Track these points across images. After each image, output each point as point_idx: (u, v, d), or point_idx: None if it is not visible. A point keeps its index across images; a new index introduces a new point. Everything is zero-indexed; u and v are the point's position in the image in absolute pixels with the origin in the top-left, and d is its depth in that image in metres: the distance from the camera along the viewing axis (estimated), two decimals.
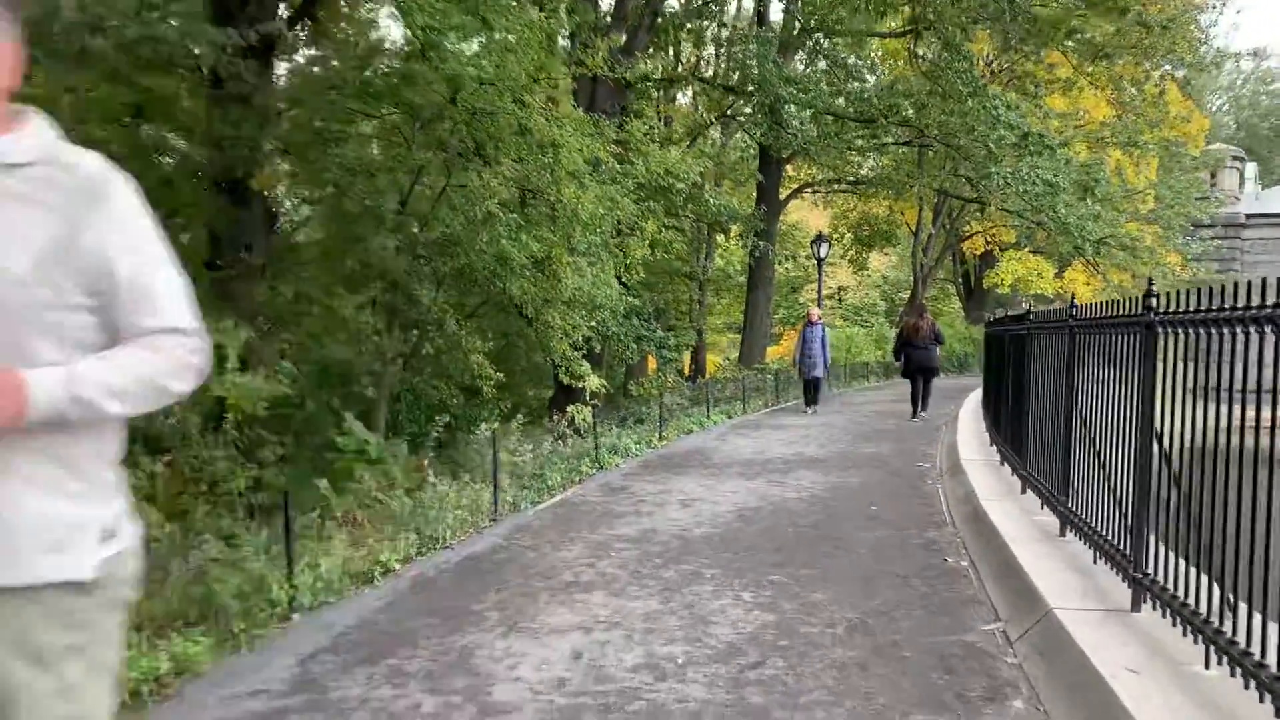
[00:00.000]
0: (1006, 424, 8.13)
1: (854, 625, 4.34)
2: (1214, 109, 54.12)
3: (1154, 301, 3.89)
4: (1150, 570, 3.82)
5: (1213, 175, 35.63)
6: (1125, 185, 22.75)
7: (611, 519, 6.87)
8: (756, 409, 16.35)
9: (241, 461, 7.18)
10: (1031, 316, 7.19)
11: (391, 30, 11.85)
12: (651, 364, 21.04)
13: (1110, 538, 4.36)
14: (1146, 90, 19.82)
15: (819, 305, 19.08)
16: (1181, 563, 3.55)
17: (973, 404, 15.01)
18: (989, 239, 30.97)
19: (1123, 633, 3.67)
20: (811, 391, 15.68)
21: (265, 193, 9.10)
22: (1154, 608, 3.76)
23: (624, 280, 19.33)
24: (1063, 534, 5.37)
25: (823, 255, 22.13)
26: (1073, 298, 6.11)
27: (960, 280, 37.60)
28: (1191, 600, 3.35)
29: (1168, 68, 19.14)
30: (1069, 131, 20.00)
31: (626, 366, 20.19)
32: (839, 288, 43.93)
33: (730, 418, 14.73)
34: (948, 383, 20.03)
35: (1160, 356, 3.83)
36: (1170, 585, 3.58)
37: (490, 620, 4.47)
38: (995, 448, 9.27)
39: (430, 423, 13.01)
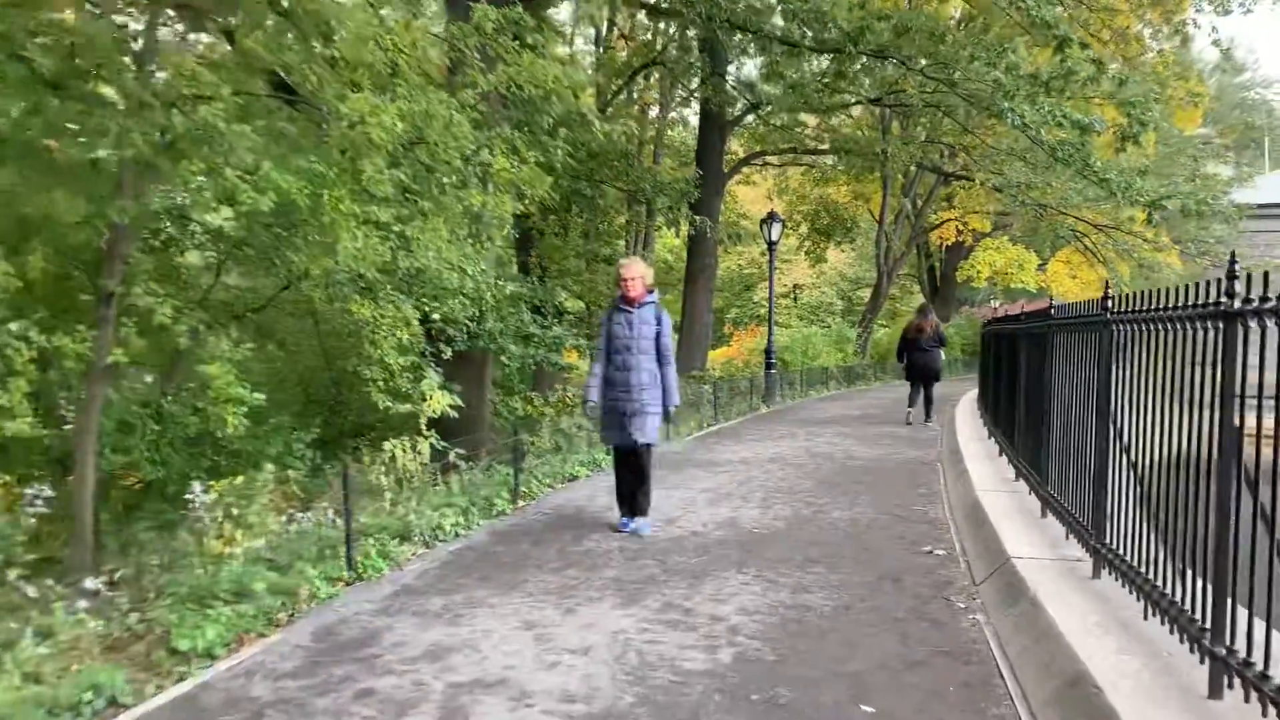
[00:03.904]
0: (1081, 487, 4.18)
1: None
2: None
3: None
4: None
5: (1195, 161, 32.91)
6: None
7: None
8: (687, 431, 12.34)
9: None
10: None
11: None
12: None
13: None
14: (1164, 43, 16.42)
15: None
16: None
17: (969, 425, 11.23)
18: (961, 226, 27.34)
19: None
20: (628, 469, 6.23)
21: None
22: None
23: (525, 266, 15.17)
24: None
25: (774, 238, 18.19)
26: None
27: (925, 274, 34.02)
28: None
29: (1193, 13, 15.73)
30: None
31: (534, 376, 16.11)
32: (794, 285, 40.20)
33: None
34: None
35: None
36: None
37: None
38: (1049, 513, 5.38)
39: (192, 468, 8.86)
